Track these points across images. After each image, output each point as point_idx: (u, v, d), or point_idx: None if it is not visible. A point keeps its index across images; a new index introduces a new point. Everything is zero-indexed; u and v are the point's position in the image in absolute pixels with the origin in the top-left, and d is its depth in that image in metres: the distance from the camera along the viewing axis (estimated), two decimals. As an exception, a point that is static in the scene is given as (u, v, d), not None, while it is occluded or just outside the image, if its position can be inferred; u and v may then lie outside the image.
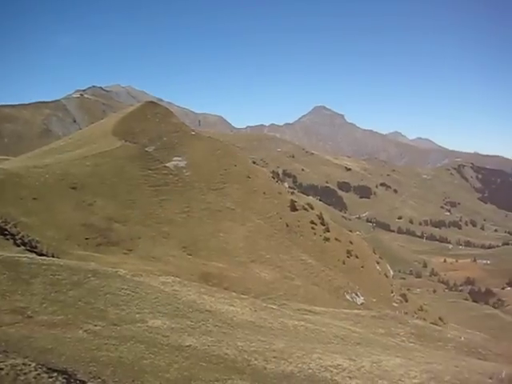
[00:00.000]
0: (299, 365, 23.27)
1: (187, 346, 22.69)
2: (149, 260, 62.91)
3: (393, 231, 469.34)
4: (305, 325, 36.38)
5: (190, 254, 72.71)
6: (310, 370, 22.79)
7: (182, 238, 77.15)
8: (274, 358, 23.69)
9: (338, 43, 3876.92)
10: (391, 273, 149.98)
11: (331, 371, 23.23)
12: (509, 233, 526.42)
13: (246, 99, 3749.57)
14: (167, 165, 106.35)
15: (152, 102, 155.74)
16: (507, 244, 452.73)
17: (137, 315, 26.22)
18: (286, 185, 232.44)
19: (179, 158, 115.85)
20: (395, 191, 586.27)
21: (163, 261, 64.23)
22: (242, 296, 43.57)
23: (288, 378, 21.25)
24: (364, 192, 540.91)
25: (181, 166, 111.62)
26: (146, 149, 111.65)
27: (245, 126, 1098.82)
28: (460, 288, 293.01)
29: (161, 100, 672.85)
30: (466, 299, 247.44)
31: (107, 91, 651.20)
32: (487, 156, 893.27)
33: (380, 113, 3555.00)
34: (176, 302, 30.85)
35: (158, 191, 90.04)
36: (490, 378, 29.25)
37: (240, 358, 22.66)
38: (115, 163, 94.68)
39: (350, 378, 22.73)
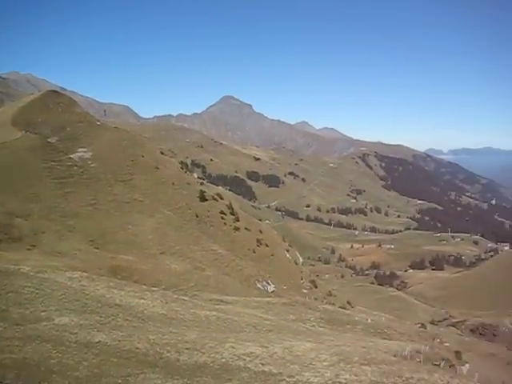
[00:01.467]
0: (212, 355, 23.21)
1: (97, 343, 22.03)
2: (54, 255, 60.49)
3: (301, 219, 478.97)
4: (217, 315, 36.39)
5: (98, 248, 70.72)
6: (223, 360, 22.78)
7: (88, 231, 74.85)
8: (187, 349, 23.50)
9: (244, 34, 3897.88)
10: (300, 260, 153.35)
11: (244, 359, 23.32)
12: (410, 218, 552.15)
13: (152, 88, 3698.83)
14: (71, 156, 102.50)
15: (54, 91, 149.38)
16: (409, 229, 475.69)
17: (42, 313, 25.16)
18: (195, 175, 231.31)
19: (84, 149, 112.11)
20: (303, 180, 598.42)
21: (69, 255, 61.99)
22: (153, 288, 42.99)
23: (201, 368, 21.13)
24: (273, 181, 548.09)
25: (86, 158, 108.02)
26: (49, 140, 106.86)
27: (152, 116, 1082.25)
28: (366, 272, 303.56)
29: (64, 89, 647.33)
30: (372, 283, 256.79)
31: (4, 79, 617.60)
32: (390, 145, 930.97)
33: (287, 103, 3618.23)
34: (84, 298, 29.92)
35: (62, 184, 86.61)
36: (395, 356, 30.56)
37: (152, 351, 22.29)
38: (15, 155, 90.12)
39: (262, 364, 22.91)
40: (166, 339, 24.61)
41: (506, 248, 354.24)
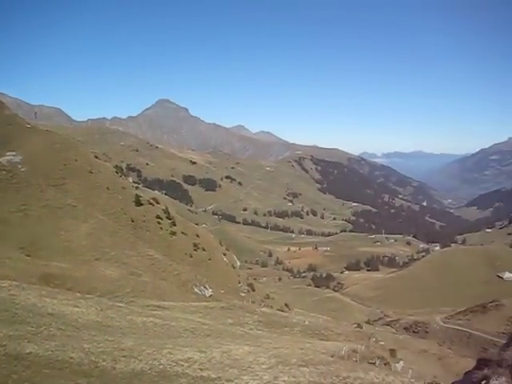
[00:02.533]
0: (150, 362, 22.77)
1: (28, 354, 21.13)
2: (-18, 264, 58.00)
3: (238, 223, 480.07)
4: (154, 321, 35.80)
5: (29, 255, 68.14)
6: (161, 366, 22.39)
7: (19, 238, 72.05)
8: (124, 357, 22.95)
9: (178, 36, 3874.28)
10: (238, 264, 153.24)
11: (182, 365, 23.01)
12: (346, 220, 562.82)
13: (85, 91, 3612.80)
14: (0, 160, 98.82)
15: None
16: (344, 231, 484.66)
17: (-33, 326, 23.97)
18: (131, 179, 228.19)
19: (13, 153, 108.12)
20: (240, 183, 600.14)
21: (-2, 264, 59.62)
22: (87, 296, 41.84)
23: (139, 376, 20.68)
24: (209, 185, 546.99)
25: (15, 162, 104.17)
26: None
27: (85, 119, 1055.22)
28: (303, 275, 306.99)
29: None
30: (309, 285, 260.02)
31: None
32: (325, 149, 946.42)
33: (223, 106, 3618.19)
34: (14, 308, 28.70)
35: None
36: (332, 356, 30.91)
37: (87, 360, 21.62)
38: None
39: (201, 369, 22.67)
40: (101, 347, 23.95)
41: (437, 248, 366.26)
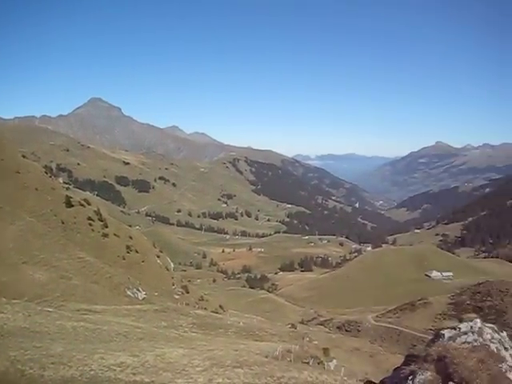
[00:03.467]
0: (80, 368, 21.93)
1: None
2: None
3: (172, 224, 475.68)
4: (85, 325, 34.68)
5: (-49, 259, 65.09)
6: (93, 372, 21.61)
7: None
8: (52, 363, 22.00)
9: (112, 34, 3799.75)
10: (172, 266, 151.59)
11: (114, 370, 22.31)
12: (280, 222, 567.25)
13: (12, 87, 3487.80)
14: None
15: None
16: (278, 232, 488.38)
17: None
18: (61, 180, 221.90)
19: None
20: (174, 185, 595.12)
21: None
22: (14, 301, 40.11)
23: (68, 383, 19.86)
24: (143, 186, 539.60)
25: None
26: None
27: (13, 117, 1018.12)
28: (238, 276, 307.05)
29: None
30: (244, 286, 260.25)
31: None
32: (259, 150, 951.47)
33: (157, 106, 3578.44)
34: None
35: None
36: (266, 357, 30.84)
37: (12, 369, 20.57)
38: None
39: (134, 374, 22.05)
40: (28, 355, 22.89)
41: (369, 248, 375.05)
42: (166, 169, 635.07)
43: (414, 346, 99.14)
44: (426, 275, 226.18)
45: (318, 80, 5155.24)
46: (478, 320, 12.16)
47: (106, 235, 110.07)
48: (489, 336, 11.73)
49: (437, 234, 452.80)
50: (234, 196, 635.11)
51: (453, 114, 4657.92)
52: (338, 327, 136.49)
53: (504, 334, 12.78)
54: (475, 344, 11.16)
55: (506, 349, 11.97)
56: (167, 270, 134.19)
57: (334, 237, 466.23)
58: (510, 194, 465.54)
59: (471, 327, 11.80)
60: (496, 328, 12.66)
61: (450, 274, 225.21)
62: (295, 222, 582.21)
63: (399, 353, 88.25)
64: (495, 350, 11.30)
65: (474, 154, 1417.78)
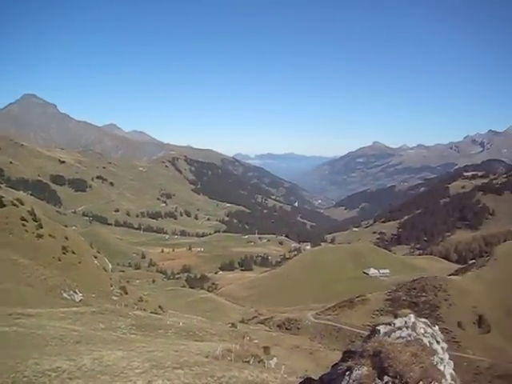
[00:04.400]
0: (12, 375, 21.16)
1: None
2: None
3: (110, 224, 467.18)
4: (17, 330, 33.55)
5: None
6: (26, 379, 20.91)
7: None
8: (-19, 372, 21.18)
9: (44, 28, 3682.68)
10: (110, 266, 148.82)
11: (49, 375, 21.68)
12: (220, 221, 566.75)
13: None
14: None
15: None
16: (218, 231, 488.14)
17: None
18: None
19: None
20: (111, 184, 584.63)
21: None
22: None
23: (-1, 391, 19.18)
24: (79, 185, 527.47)
25: None
26: None
27: None
28: (177, 276, 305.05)
29: None
30: (184, 286, 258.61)
31: None
32: (199, 149, 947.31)
33: (94, 104, 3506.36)
34: None
35: None
36: (207, 357, 30.73)
37: None
38: None
39: (70, 379, 21.50)
40: (-44, 363, 21.97)
41: (308, 247, 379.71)
42: (104, 168, 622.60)
43: (353, 342, 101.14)
44: (364, 273, 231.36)
45: (256, 79, 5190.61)
46: (412, 315, 12.49)
47: (40, 236, 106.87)
48: (422, 330, 12.08)
49: (374, 232, 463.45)
50: (174, 195, 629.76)
51: (389, 115, 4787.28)
52: (278, 325, 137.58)
53: (436, 327, 13.18)
54: (409, 338, 11.46)
55: (438, 342, 12.36)
56: (105, 270, 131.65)
57: (274, 236, 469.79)
58: (443, 193, 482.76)
59: (405, 322, 12.11)
60: (429, 322, 13.04)
61: (387, 271, 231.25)
62: (235, 221, 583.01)
63: (338, 349, 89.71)
64: (428, 343, 11.65)
65: (410, 154, 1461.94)
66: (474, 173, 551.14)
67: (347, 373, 11.13)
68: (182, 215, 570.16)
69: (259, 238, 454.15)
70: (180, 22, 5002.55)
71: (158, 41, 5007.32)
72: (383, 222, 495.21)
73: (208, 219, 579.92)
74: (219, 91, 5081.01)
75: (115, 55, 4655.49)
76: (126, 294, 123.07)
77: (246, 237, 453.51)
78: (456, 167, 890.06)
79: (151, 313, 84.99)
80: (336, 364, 13.44)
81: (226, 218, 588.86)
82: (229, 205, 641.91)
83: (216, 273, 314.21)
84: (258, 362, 41.77)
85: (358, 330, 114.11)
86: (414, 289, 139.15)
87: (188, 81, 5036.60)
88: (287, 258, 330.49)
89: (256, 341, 73.95)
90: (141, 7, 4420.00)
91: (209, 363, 27.26)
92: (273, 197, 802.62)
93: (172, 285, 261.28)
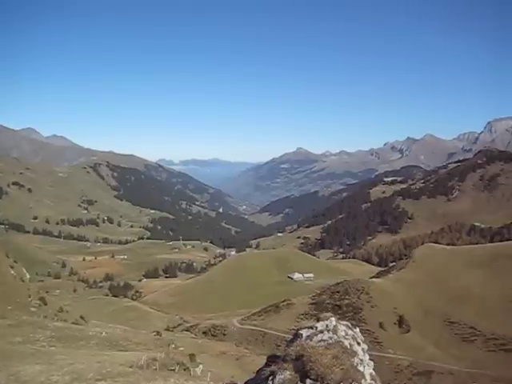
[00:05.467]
0: None
1: None
2: None
3: (28, 232, 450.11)
4: None
5: None
6: None
7: None
8: None
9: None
10: (28, 276, 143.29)
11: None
12: (143, 228, 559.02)
13: None
14: None
15: None
16: (142, 238, 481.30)
17: None
18: None
19: None
20: (29, 190, 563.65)
21: None
22: None
23: None
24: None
25: None
26: None
27: None
28: (100, 285, 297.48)
29: None
30: (107, 295, 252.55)
31: None
32: (122, 155, 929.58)
33: (11, 107, 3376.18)
34: None
35: None
36: (131, 367, 30.13)
37: None
38: None
39: (-19, 398, 20.50)
40: None
41: (233, 253, 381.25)
42: (21, 173, 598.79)
43: (279, 346, 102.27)
44: (289, 277, 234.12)
45: (180, 84, 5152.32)
46: (334, 318, 12.72)
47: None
48: (343, 333, 12.33)
49: (298, 237, 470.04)
50: (96, 202, 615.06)
51: (313, 122, 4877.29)
52: (204, 332, 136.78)
53: (357, 329, 13.48)
54: (330, 341, 11.66)
55: (358, 344, 12.65)
56: (22, 281, 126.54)
57: (199, 242, 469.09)
58: (365, 198, 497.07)
59: (327, 325, 12.32)
60: (350, 325, 13.32)
61: (311, 275, 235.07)
62: (159, 227, 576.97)
63: (264, 354, 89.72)
64: (348, 345, 11.90)
65: (333, 160, 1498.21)
66: (393, 178, 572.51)
67: (270, 377, 11.19)
68: (104, 222, 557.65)
69: (184, 244, 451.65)
70: (95, 21, 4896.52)
71: (76, 42, 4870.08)
72: (307, 226, 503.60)
73: (131, 226, 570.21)
74: (141, 95, 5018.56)
75: (33, 57, 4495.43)
76: (46, 304, 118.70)
77: (171, 243, 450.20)
78: (377, 173, 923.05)
79: (72, 323, 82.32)
80: (260, 369, 13.52)
81: (150, 225, 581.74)
82: (153, 211, 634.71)
83: (140, 280, 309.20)
84: (184, 370, 41.37)
85: (283, 335, 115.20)
86: (338, 292, 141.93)
87: (109, 85, 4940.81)
88: (212, 264, 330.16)
89: (181, 348, 73.27)
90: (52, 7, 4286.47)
91: (133, 373, 26.73)
92: (197, 203, 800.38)
93: (94, 294, 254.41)
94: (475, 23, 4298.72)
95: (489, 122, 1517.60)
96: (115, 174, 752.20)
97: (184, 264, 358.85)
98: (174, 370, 36.84)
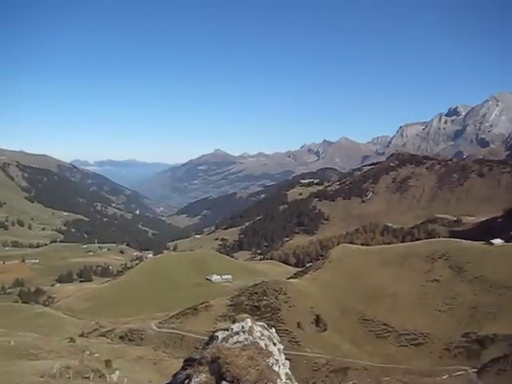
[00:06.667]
0: None
1: None
2: None
3: None
4: None
5: None
6: None
7: None
8: None
9: None
10: None
11: None
12: (56, 231, 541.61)
13: None
14: None
15: None
16: (55, 242, 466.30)
17: None
18: None
19: None
20: None
21: None
22: None
23: None
24: None
25: None
26: None
27: None
28: (9, 291, 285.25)
29: None
30: (16, 301, 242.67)
31: None
32: (33, 155, 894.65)
33: None
34: None
35: None
36: (42, 376, 29.16)
37: None
38: None
39: None
40: None
41: (150, 255, 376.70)
42: None
43: (197, 349, 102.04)
44: (207, 279, 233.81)
45: (93, 82, 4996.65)
46: (249, 320, 12.85)
47: None
48: (258, 334, 12.48)
49: (216, 239, 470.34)
50: (4, 204, 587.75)
51: (230, 123, 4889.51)
52: (120, 337, 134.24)
53: (273, 330, 13.71)
54: (246, 342, 11.76)
55: (274, 344, 12.86)
56: None
57: (115, 245, 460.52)
58: (282, 199, 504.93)
59: (242, 327, 12.43)
60: (266, 326, 13.50)
61: (230, 276, 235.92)
62: (73, 230, 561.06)
63: (183, 357, 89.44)
64: (264, 346, 12.05)
65: (250, 162, 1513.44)
66: (310, 180, 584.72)
67: (186, 381, 11.17)
68: (13, 225, 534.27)
69: (99, 247, 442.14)
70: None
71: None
72: (225, 228, 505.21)
73: (43, 229, 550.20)
74: (53, 92, 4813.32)
75: None
76: None
77: (85, 246, 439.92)
78: (294, 175, 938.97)
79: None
80: (177, 373, 13.46)
81: (64, 228, 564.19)
82: (66, 213, 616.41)
83: (53, 285, 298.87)
84: (100, 377, 40.44)
85: (202, 337, 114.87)
86: (256, 293, 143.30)
87: (16, 80, 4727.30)
88: (129, 267, 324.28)
89: (97, 355, 71.71)
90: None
91: (44, 383, 25.89)
92: (113, 205, 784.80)
93: (3, 300, 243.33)
94: (388, 27, 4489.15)
95: (401, 127, 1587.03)
96: (26, 175, 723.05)
97: (99, 267, 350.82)
98: (88, 377, 35.95)
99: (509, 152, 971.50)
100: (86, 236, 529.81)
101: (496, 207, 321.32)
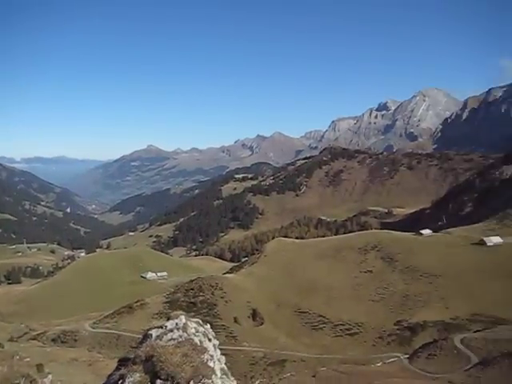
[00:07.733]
0: None
1: None
2: None
3: None
4: None
5: None
6: None
7: None
8: None
9: None
10: None
11: None
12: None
13: None
14: None
15: None
16: None
17: None
18: None
19: None
20: None
21: None
22: None
23: None
24: None
25: None
26: None
27: None
28: None
29: None
30: None
31: None
32: None
33: None
34: None
35: None
36: None
37: None
38: None
39: None
40: None
41: (83, 254, 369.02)
42: None
43: (133, 348, 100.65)
44: (142, 277, 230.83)
45: (18, 74, 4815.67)
46: (183, 316, 12.70)
47: None
48: (193, 330, 12.34)
49: (150, 236, 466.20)
50: None
51: (163, 119, 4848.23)
52: (52, 339, 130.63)
53: (208, 326, 13.60)
54: (180, 339, 11.62)
55: (209, 340, 12.76)
56: None
57: (45, 244, 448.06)
58: (216, 194, 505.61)
59: (177, 324, 12.27)
60: (201, 322, 13.39)
61: (165, 273, 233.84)
62: (0, 230, 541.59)
63: (118, 357, 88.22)
64: (199, 342, 11.94)
65: (184, 157, 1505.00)
66: (244, 175, 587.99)
67: (120, 381, 10.96)
68: None
69: (28, 247, 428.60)
70: None
71: None
72: (159, 225, 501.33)
73: None
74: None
75: None
76: None
77: (13, 247, 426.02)
78: (228, 170, 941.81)
79: None
80: (111, 373, 13.19)
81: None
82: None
83: None
84: (30, 382, 39.22)
85: (137, 336, 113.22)
86: (192, 289, 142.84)
87: None
88: (60, 267, 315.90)
89: (28, 359, 69.42)
90: None
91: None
92: (43, 203, 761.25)
93: None
94: (320, 21, 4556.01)
95: (333, 121, 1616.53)
96: None
97: (29, 268, 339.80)
98: (18, 383, 34.75)
99: (436, 146, 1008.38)
100: (13, 236, 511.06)
101: (424, 199, 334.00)
